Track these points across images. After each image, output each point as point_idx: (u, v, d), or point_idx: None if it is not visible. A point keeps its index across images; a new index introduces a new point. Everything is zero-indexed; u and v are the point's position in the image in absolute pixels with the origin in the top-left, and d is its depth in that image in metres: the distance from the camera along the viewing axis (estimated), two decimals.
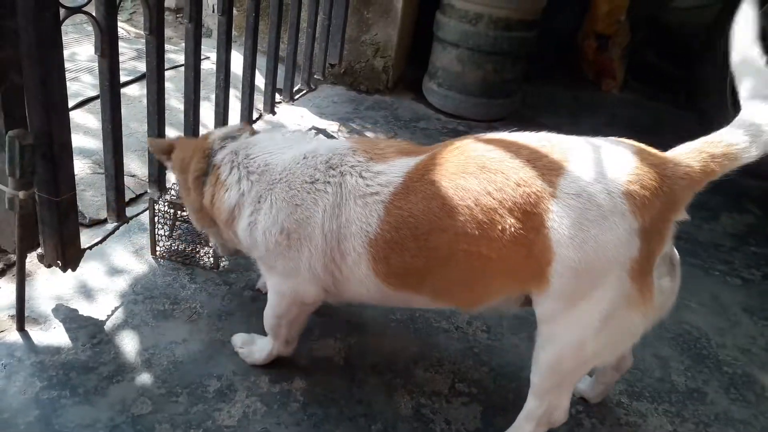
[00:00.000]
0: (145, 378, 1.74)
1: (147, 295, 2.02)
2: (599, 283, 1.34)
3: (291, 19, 3.25)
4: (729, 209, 3.21)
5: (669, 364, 2.10)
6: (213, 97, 2.73)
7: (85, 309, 1.93)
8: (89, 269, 2.07)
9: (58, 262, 1.88)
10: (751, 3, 1.34)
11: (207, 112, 2.82)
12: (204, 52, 2.86)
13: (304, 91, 3.66)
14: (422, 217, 1.44)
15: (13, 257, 1.96)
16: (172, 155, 1.79)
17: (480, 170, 1.41)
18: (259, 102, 3.20)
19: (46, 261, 1.88)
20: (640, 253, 1.31)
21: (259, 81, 3.15)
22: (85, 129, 2.78)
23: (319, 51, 3.68)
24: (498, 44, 3.59)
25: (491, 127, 3.75)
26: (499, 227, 1.36)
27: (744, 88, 1.34)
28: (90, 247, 2.03)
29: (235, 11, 3.16)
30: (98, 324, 1.89)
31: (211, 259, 2.18)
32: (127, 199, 2.27)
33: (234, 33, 3.31)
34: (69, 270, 1.92)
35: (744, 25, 1.35)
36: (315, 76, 3.76)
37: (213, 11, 3.84)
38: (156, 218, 2.15)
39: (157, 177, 2.33)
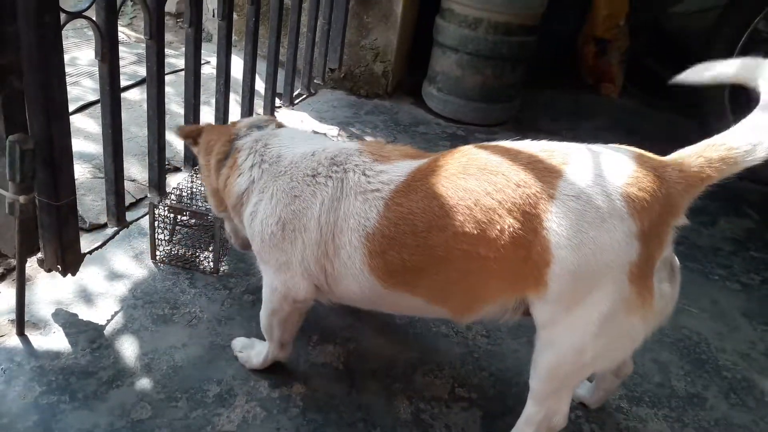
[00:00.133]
0: (144, 383, 1.74)
1: (147, 299, 2.02)
2: (597, 286, 1.33)
3: (291, 23, 3.26)
4: (728, 214, 3.22)
5: (669, 369, 2.10)
6: (213, 101, 2.74)
7: (84, 314, 1.93)
8: (89, 274, 2.07)
9: (58, 266, 1.88)
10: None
11: (207, 116, 2.83)
12: (204, 57, 2.87)
13: (304, 96, 3.67)
14: (422, 215, 1.45)
15: (13, 262, 1.96)
16: (200, 139, 1.83)
17: (481, 171, 1.42)
18: (259, 106, 3.20)
19: (46, 265, 1.88)
20: (639, 256, 1.31)
21: (259, 85, 3.15)
22: (86, 133, 2.79)
23: (318, 55, 3.69)
24: (497, 49, 3.60)
25: (491, 132, 3.77)
26: (498, 227, 1.37)
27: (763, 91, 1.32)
28: (90, 252, 2.04)
29: (235, 16, 3.18)
30: (98, 329, 1.89)
31: (211, 263, 2.18)
32: (127, 204, 2.28)
33: (234, 37, 3.32)
34: (69, 274, 1.92)
35: None
36: (315, 81, 3.77)
37: (213, 16, 3.85)
38: (156, 223, 2.15)
39: (157, 181, 2.33)
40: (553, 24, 4.01)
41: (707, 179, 1.33)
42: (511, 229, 1.35)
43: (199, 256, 2.22)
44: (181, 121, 2.51)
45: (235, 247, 2.02)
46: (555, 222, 1.32)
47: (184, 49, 2.39)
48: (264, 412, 1.71)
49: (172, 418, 1.65)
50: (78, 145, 2.66)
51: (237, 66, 2.85)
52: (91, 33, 1.85)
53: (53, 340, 1.82)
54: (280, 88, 3.34)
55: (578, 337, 1.39)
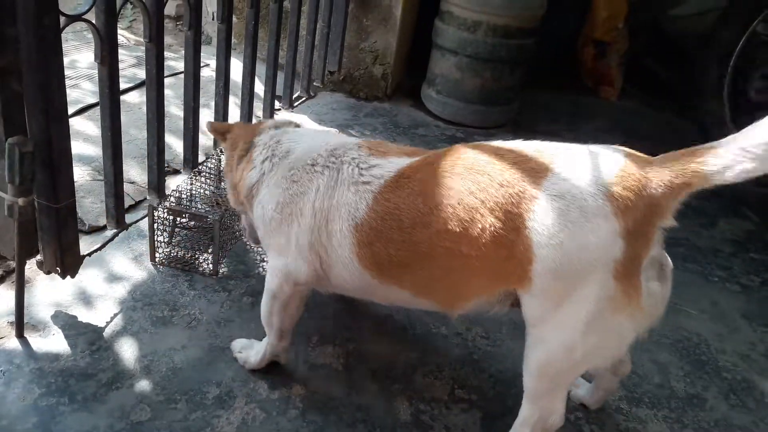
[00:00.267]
0: (144, 385, 1.74)
1: (146, 301, 2.02)
2: (582, 284, 1.35)
3: (290, 26, 3.27)
4: (728, 215, 3.21)
5: (668, 370, 2.10)
6: (212, 104, 2.75)
7: (84, 316, 1.93)
8: (88, 276, 2.07)
9: (57, 268, 1.88)
10: None
11: (206, 119, 2.83)
12: (204, 60, 2.87)
13: (304, 98, 3.67)
14: (407, 211, 1.50)
15: (13, 264, 1.96)
16: (228, 135, 1.91)
17: (467, 171, 1.46)
18: (258, 109, 3.21)
19: (45, 268, 1.88)
20: (623, 255, 1.32)
21: (259, 88, 3.16)
22: (85, 136, 2.79)
23: (318, 58, 3.70)
24: (496, 52, 3.60)
25: (489, 134, 3.77)
26: (480, 226, 1.40)
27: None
28: (89, 254, 2.04)
29: (234, 19, 3.18)
30: (97, 331, 1.89)
31: (211, 265, 2.18)
32: (126, 206, 2.28)
33: (233, 40, 3.32)
34: (68, 277, 1.92)
35: None
36: (314, 84, 3.77)
37: (213, 19, 3.86)
38: (155, 225, 2.15)
39: (157, 184, 2.33)
40: (552, 26, 4.01)
41: (685, 187, 1.32)
42: (493, 228, 1.38)
43: (198, 258, 2.22)
44: (181, 124, 2.51)
45: (249, 242, 2.05)
46: (537, 221, 1.34)
47: (183, 51, 2.39)
48: (263, 414, 1.71)
49: (171, 419, 1.65)
50: (77, 147, 2.66)
51: (236, 69, 2.85)
52: (90, 36, 1.85)
53: (52, 342, 1.82)
54: (279, 91, 3.35)
55: (567, 334, 1.40)
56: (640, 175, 1.33)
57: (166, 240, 2.23)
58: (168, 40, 4.16)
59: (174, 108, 3.08)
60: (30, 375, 1.71)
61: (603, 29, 4.61)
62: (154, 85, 2.16)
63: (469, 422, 1.79)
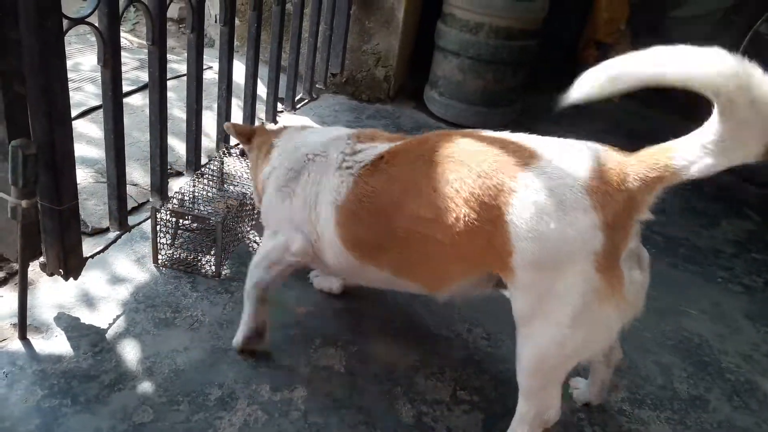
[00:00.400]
0: (146, 386, 1.74)
1: (148, 303, 2.03)
2: (564, 276, 1.37)
3: (293, 29, 3.27)
4: (729, 216, 3.21)
5: (671, 372, 2.09)
6: (215, 106, 2.75)
7: (86, 317, 1.93)
8: (91, 278, 2.08)
9: (60, 270, 1.89)
10: None
11: (209, 121, 2.84)
12: (207, 62, 2.87)
13: (306, 101, 3.68)
14: (383, 196, 1.57)
15: (16, 266, 1.97)
16: (254, 139, 1.99)
17: (445, 160, 1.49)
18: (261, 111, 3.21)
19: (48, 269, 1.89)
20: (603, 247, 1.34)
21: (261, 90, 3.16)
22: (88, 138, 2.80)
23: (320, 60, 3.71)
24: (499, 53, 3.61)
25: None
26: (454, 215, 1.43)
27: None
28: (92, 256, 2.04)
29: (237, 21, 3.19)
30: (100, 332, 1.89)
31: (213, 267, 2.19)
32: (129, 208, 2.28)
33: (236, 43, 3.33)
34: (71, 279, 1.93)
35: None
36: (317, 86, 3.78)
37: (215, 21, 3.87)
38: (158, 227, 2.15)
39: (159, 186, 2.34)
40: (554, 28, 4.02)
41: (659, 180, 1.34)
42: (467, 218, 1.42)
43: (201, 259, 2.23)
44: (183, 127, 2.52)
45: None
46: (516, 214, 1.37)
47: (186, 54, 2.40)
48: (265, 416, 1.71)
49: (173, 421, 1.65)
50: (80, 149, 2.66)
51: (239, 71, 2.86)
52: (94, 39, 1.85)
53: (55, 343, 1.82)
54: (282, 93, 3.35)
55: (555, 329, 1.42)
56: (619, 169, 1.36)
57: (169, 242, 2.23)
58: (171, 42, 4.17)
59: (177, 110, 3.09)
60: (33, 377, 1.71)
61: (605, 31, 4.61)
62: (157, 88, 2.17)
63: (471, 423, 1.79)
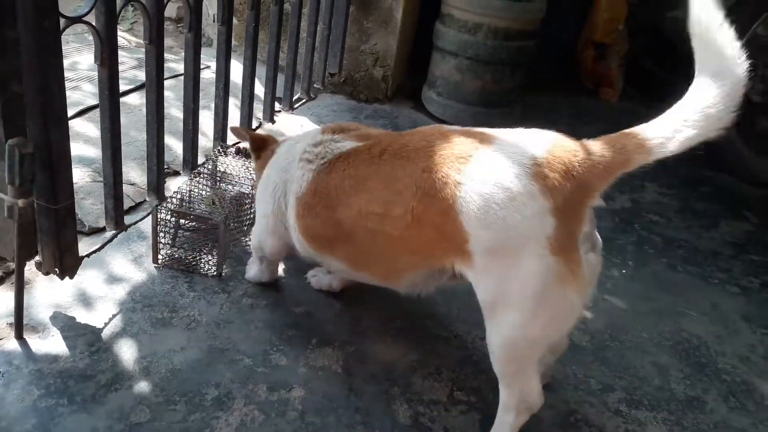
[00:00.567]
0: (143, 386, 1.74)
1: (145, 303, 2.02)
2: (521, 261, 1.40)
3: (291, 28, 3.27)
4: (727, 217, 3.21)
5: (668, 372, 2.10)
6: (213, 105, 2.75)
7: (83, 317, 1.93)
8: (88, 277, 2.07)
9: (56, 269, 1.88)
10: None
11: (207, 120, 2.84)
12: (205, 62, 2.87)
13: (304, 100, 3.68)
14: (334, 191, 1.67)
15: (12, 265, 1.97)
16: (268, 148, 2.09)
17: (393, 157, 1.57)
18: (258, 111, 3.21)
19: (44, 268, 1.88)
20: (555, 231, 1.37)
21: (259, 90, 3.16)
22: (86, 137, 2.79)
23: (318, 60, 3.70)
24: (497, 54, 3.61)
25: None
26: (402, 209, 1.51)
27: (698, 73, 1.33)
28: (87, 255, 2.04)
29: (235, 21, 3.19)
30: (96, 332, 1.89)
31: (214, 267, 2.19)
32: (126, 207, 2.28)
33: (234, 42, 3.33)
34: (66, 277, 1.92)
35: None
36: (315, 86, 3.78)
37: (213, 21, 3.86)
38: (159, 227, 2.15)
39: (156, 185, 2.34)
40: (553, 28, 4.02)
41: (622, 165, 1.38)
42: (416, 211, 1.48)
43: (200, 259, 2.22)
44: (181, 126, 2.52)
45: None
46: (464, 205, 1.41)
47: (184, 53, 2.40)
48: (262, 416, 1.71)
49: (170, 421, 1.65)
50: (78, 149, 2.66)
51: (237, 71, 2.86)
52: (91, 38, 1.85)
53: (52, 343, 1.82)
54: (279, 93, 3.35)
55: (518, 313, 1.44)
56: (567, 156, 1.40)
57: (169, 242, 2.23)
58: (169, 42, 4.16)
59: (175, 110, 3.08)
60: (29, 376, 1.71)
61: (603, 31, 4.61)
62: (154, 87, 2.17)
63: (468, 424, 1.79)
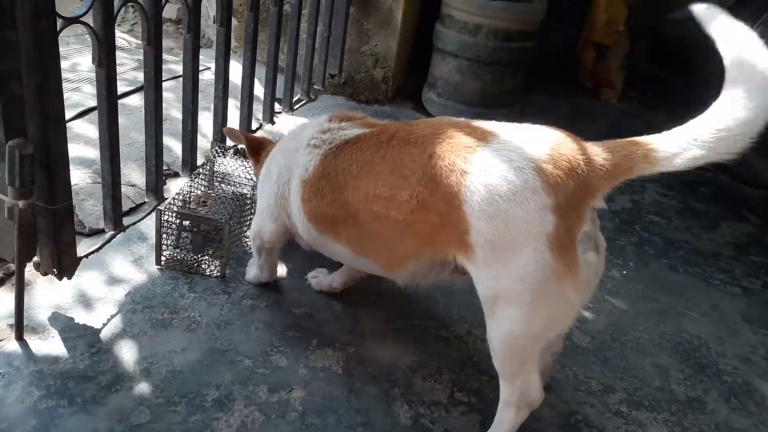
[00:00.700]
0: (143, 387, 1.74)
1: (146, 304, 2.02)
2: (520, 255, 1.40)
3: (290, 29, 3.27)
4: (728, 218, 3.21)
5: (669, 373, 2.09)
6: (212, 106, 2.75)
7: (83, 318, 1.93)
8: (88, 278, 2.07)
9: (54, 270, 1.88)
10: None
11: (206, 121, 2.84)
12: (205, 63, 2.87)
13: (304, 101, 3.67)
14: (341, 174, 1.68)
15: (12, 266, 1.97)
16: (262, 151, 2.11)
17: (401, 143, 1.58)
18: (258, 112, 3.21)
19: (42, 269, 1.88)
20: (555, 228, 1.38)
21: (258, 91, 3.16)
22: (86, 139, 2.79)
23: (318, 61, 3.70)
24: (497, 55, 3.61)
25: None
26: (407, 194, 1.51)
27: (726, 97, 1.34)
28: (86, 256, 2.04)
29: (234, 22, 3.19)
30: (97, 333, 1.88)
31: (217, 268, 2.18)
32: (126, 209, 2.28)
33: (234, 44, 3.33)
34: (65, 278, 1.92)
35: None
36: (315, 87, 3.78)
37: (213, 22, 3.86)
38: (162, 228, 2.14)
39: (155, 186, 2.34)
40: (553, 29, 4.02)
41: (625, 172, 1.39)
42: (421, 196, 1.49)
43: (203, 260, 2.22)
44: (180, 127, 2.51)
45: None
46: (468, 194, 1.42)
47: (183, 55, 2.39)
48: (263, 417, 1.71)
49: (170, 422, 1.65)
50: (78, 150, 2.66)
51: (237, 72, 2.86)
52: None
53: (52, 344, 1.82)
54: (279, 94, 3.35)
55: (518, 308, 1.45)
56: (572, 155, 1.40)
57: (172, 243, 2.22)
58: (169, 43, 4.17)
59: (175, 111, 3.07)
60: (29, 377, 1.71)
61: (603, 32, 4.61)
62: (152, 88, 2.17)
63: (468, 425, 1.78)
